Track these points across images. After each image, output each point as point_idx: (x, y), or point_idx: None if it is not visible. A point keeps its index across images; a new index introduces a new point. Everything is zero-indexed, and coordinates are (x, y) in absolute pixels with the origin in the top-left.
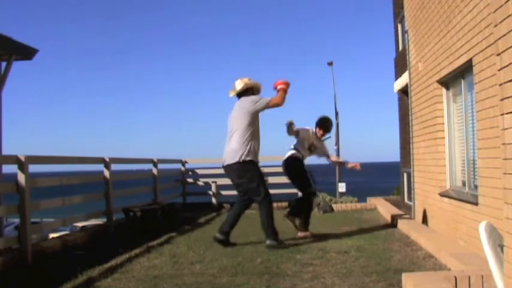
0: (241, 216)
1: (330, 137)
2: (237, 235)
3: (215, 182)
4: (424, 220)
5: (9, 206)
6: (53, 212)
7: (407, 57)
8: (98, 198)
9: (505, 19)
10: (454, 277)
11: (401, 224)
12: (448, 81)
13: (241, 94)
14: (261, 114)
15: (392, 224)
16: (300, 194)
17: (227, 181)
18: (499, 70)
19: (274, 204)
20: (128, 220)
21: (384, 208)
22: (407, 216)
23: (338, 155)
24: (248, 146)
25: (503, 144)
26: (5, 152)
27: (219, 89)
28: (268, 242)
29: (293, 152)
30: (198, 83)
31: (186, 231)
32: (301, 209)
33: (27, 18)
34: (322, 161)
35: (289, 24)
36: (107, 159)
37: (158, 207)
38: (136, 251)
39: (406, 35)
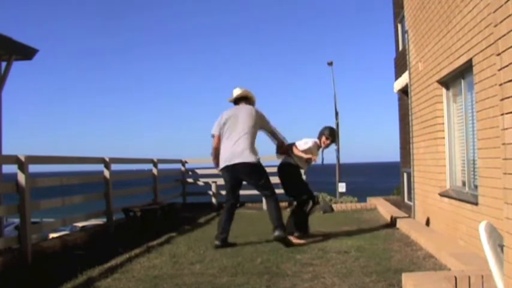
0: (233, 217)
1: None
2: (237, 235)
3: (215, 182)
4: (424, 220)
5: (9, 206)
6: (53, 212)
7: (407, 57)
8: (98, 198)
9: (505, 19)
10: (454, 277)
11: (401, 224)
12: (448, 81)
13: (238, 100)
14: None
15: (392, 224)
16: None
17: None
18: (499, 70)
19: None
20: (128, 220)
21: (383, 208)
22: (407, 216)
23: (338, 155)
24: (254, 149)
25: (503, 144)
26: (5, 152)
27: (219, 88)
28: (277, 233)
29: (285, 158)
30: (198, 82)
31: (186, 231)
32: (297, 220)
33: (27, 18)
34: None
35: (289, 24)
36: (107, 159)
37: (158, 207)
38: (136, 251)
39: (406, 35)
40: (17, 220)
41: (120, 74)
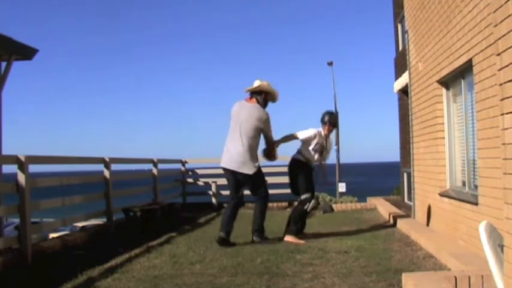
0: (235, 215)
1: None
2: (237, 235)
3: (215, 182)
4: (424, 220)
5: (9, 206)
6: (53, 212)
7: (407, 57)
8: (98, 198)
9: (505, 19)
10: (454, 277)
11: (401, 224)
12: (448, 81)
13: (254, 93)
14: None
15: (393, 224)
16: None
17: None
18: (499, 70)
19: (274, 204)
20: (128, 220)
21: (383, 208)
22: (407, 216)
23: (338, 155)
24: (255, 154)
25: (503, 144)
26: (5, 152)
27: (219, 88)
28: (255, 238)
29: (295, 154)
30: (198, 82)
31: (186, 231)
32: (296, 219)
33: (27, 18)
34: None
35: (289, 24)
36: (107, 159)
37: (158, 207)
38: (136, 251)
39: (406, 35)
40: (17, 220)
41: (120, 73)
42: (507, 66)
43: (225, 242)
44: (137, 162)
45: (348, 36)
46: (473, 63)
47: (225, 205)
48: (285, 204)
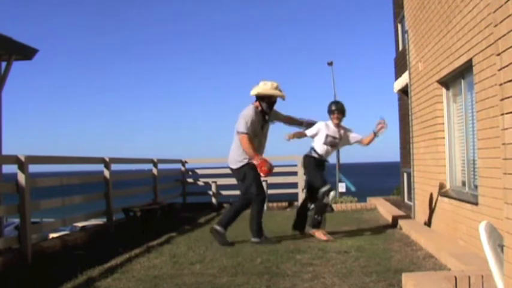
0: (240, 213)
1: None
2: (237, 235)
3: (215, 182)
4: (424, 220)
5: (9, 206)
6: (53, 212)
7: (407, 57)
8: (98, 198)
9: (505, 19)
10: (454, 277)
11: (401, 224)
12: (448, 81)
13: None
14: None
15: (393, 224)
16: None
17: (227, 181)
18: (499, 70)
19: (274, 204)
20: (128, 220)
21: (383, 208)
22: (407, 216)
23: (338, 155)
24: (242, 152)
25: (503, 144)
26: (5, 152)
27: (219, 88)
28: (253, 239)
29: (308, 152)
30: (198, 82)
31: (186, 231)
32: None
33: (27, 18)
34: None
35: (289, 24)
36: (107, 159)
37: (158, 207)
38: (136, 251)
39: (406, 35)
40: (17, 220)
41: (120, 73)
42: (507, 66)
43: (219, 234)
44: (137, 162)
45: (348, 36)
46: (473, 63)
47: (225, 205)
48: (285, 204)
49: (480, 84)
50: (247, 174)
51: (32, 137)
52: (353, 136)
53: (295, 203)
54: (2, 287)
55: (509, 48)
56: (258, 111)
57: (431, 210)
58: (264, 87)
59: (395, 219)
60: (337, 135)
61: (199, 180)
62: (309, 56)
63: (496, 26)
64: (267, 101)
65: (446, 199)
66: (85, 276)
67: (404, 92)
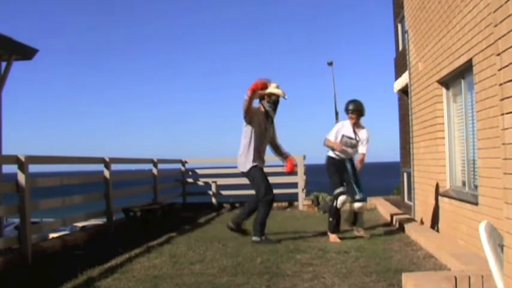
0: (254, 211)
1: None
2: (237, 235)
3: (215, 182)
4: (424, 220)
5: (9, 206)
6: (53, 212)
7: (407, 57)
8: (98, 198)
9: (505, 19)
10: (454, 277)
11: (401, 224)
12: (448, 81)
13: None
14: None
15: (392, 224)
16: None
17: (227, 181)
18: (499, 70)
19: (274, 204)
20: (128, 220)
21: (383, 208)
22: (407, 216)
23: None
24: (248, 155)
25: (503, 144)
26: (5, 152)
27: (220, 87)
28: (253, 238)
29: (328, 152)
30: (198, 81)
31: (186, 231)
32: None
33: (26, 17)
34: (322, 160)
35: (289, 23)
36: (107, 159)
37: (158, 207)
38: (136, 251)
39: (406, 35)
40: (17, 220)
41: (120, 72)
42: (507, 66)
43: (236, 230)
44: (137, 162)
45: (348, 36)
46: (473, 63)
47: (225, 205)
48: (285, 204)
49: (480, 84)
50: (256, 176)
51: (32, 137)
52: (360, 148)
53: (295, 203)
54: (2, 287)
55: (509, 48)
56: (262, 112)
57: (431, 210)
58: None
59: (396, 220)
60: (352, 135)
61: (199, 180)
62: (309, 56)
63: (496, 26)
64: (267, 100)
65: (446, 199)
66: (85, 276)
67: (404, 92)
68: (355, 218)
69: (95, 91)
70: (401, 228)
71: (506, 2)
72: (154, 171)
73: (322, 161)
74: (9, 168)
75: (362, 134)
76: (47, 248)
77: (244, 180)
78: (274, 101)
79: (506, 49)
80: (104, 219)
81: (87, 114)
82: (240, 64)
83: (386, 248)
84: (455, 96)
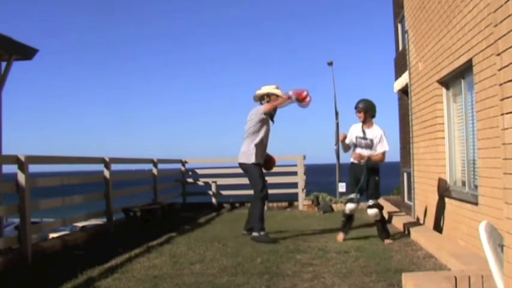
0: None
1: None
2: (237, 235)
3: (215, 182)
4: (424, 220)
5: (9, 206)
6: (53, 212)
7: (407, 57)
8: (98, 198)
9: (505, 19)
10: (454, 277)
11: (401, 224)
12: (448, 81)
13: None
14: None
15: (392, 224)
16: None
17: (227, 181)
18: (499, 70)
19: (274, 204)
20: (128, 220)
21: (384, 208)
22: (407, 216)
23: (338, 155)
24: (252, 151)
25: (503, 144)
26: (5, 152)
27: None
28: (253, 233)
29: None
30: (198, 81)
31: (186, 231)
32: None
33: (26, 17)
34: (322, 160)
35: (289, 22)
36: (107, 159)
37: (158, 207)
38: (136, 251)
39: (406, 35)
40: (17, 220)
41: (120, 72)
42: (507, 66)
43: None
44: (137, 162)
45: (348, 36)
46: (473, 63)
47: (225, 205)
48: (285, 204)
49: (480, 84)
50: (255, 173)
51: (32, 137)
52: (378, 147)
53: (295, 203)
54: (2, 287)
55: (509, 48)
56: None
57: (431, 210)
58: (264, 87)
59: (396, 220)
60: (361, 135)
61: (199, 180)
62: (309, 56)
63: (496, 26)
64: (267, 100)
65: (446, 199)
66: (85, 276)
67: (404, 92)
68: (382, 228)
69: (95, 91)
70: (400, 228)
71: (506, 2)
72: (154, 171)
73: (322, 161)
74: (9, 168)
75: (373, 132)
76: (47, 248)
77: (244, 180)
78: (268, 101)
79: (506, 49)
80: (104, 219)
81: (87, 114)
82: (240, 64)
83: (386, 248)
84: (455, 96)
